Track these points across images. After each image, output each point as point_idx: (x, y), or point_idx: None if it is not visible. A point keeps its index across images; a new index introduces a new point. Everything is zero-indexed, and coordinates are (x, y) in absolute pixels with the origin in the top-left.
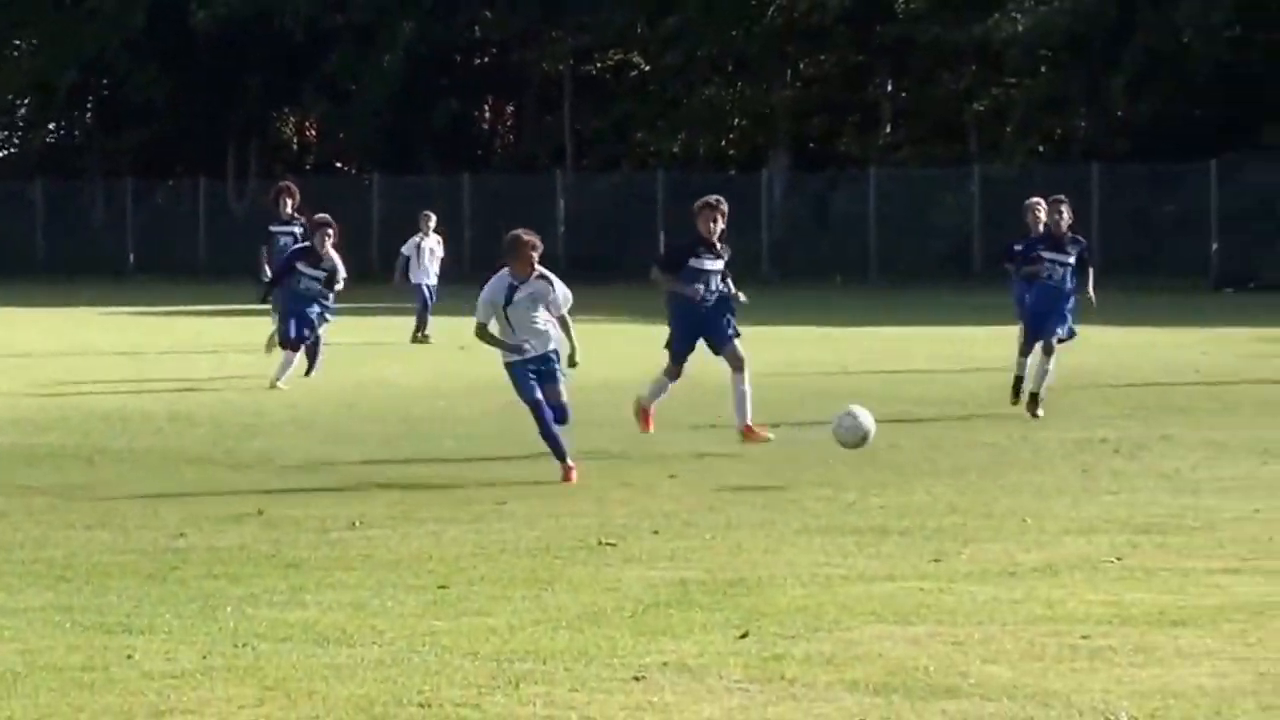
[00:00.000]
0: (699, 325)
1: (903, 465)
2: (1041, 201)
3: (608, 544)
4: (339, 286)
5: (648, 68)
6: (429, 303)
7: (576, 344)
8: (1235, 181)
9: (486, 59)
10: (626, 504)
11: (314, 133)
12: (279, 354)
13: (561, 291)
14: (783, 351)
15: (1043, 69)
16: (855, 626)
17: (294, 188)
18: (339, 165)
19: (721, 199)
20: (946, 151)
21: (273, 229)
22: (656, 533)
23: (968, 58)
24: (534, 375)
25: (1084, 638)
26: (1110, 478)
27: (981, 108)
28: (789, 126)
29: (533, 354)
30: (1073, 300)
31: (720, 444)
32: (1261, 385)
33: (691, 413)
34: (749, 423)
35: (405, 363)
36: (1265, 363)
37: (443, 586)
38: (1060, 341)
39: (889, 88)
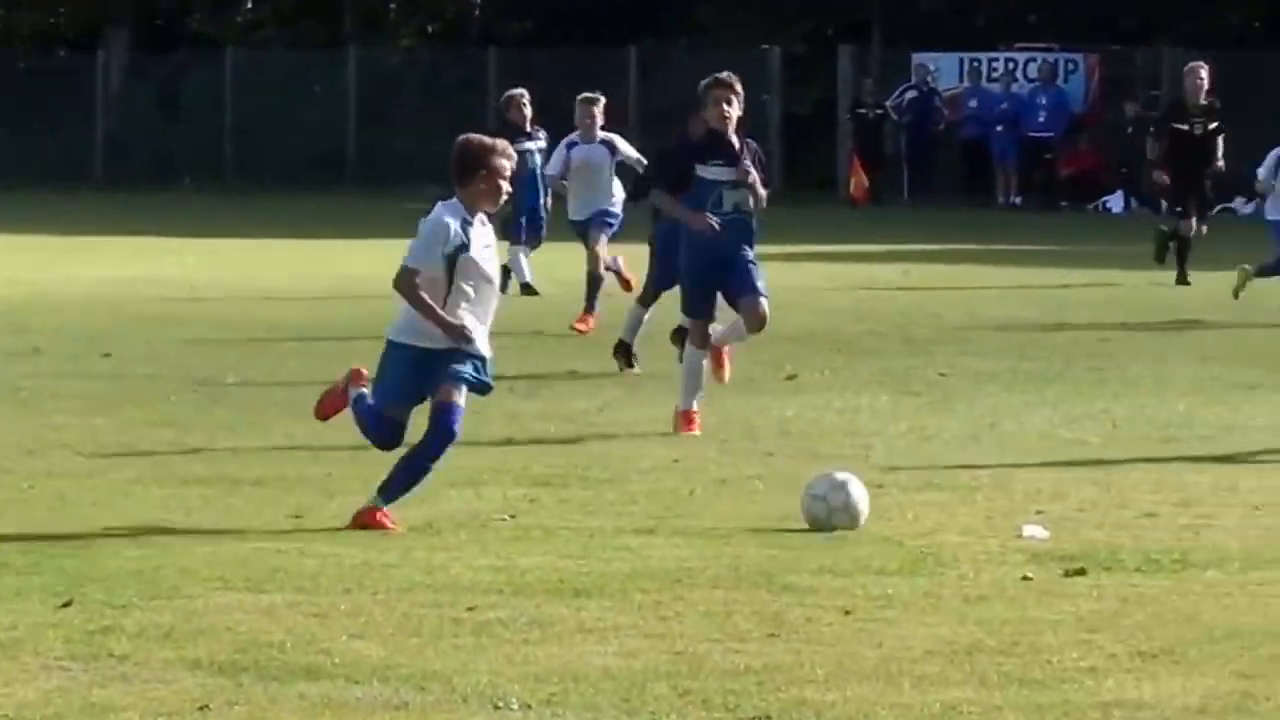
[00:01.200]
0: (715, 267)
1: (256, 404)
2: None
3: None
4: None
5: None
6: None
7: None
8: (660, 71)
9: None
10: None
11: None
12: None
13: None
14: (112, 266)
15: None
16: (199, 595)
17: None
18: None
19: (734, 76)
20: (318, 32)
21: None
22: None
23: None
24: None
25: (470, 609)
26: (504, 421)
27: None
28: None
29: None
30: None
31: (39, 372)
32: None
33: (13, 336)
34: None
35: None
36: None
37: None
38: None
39: None
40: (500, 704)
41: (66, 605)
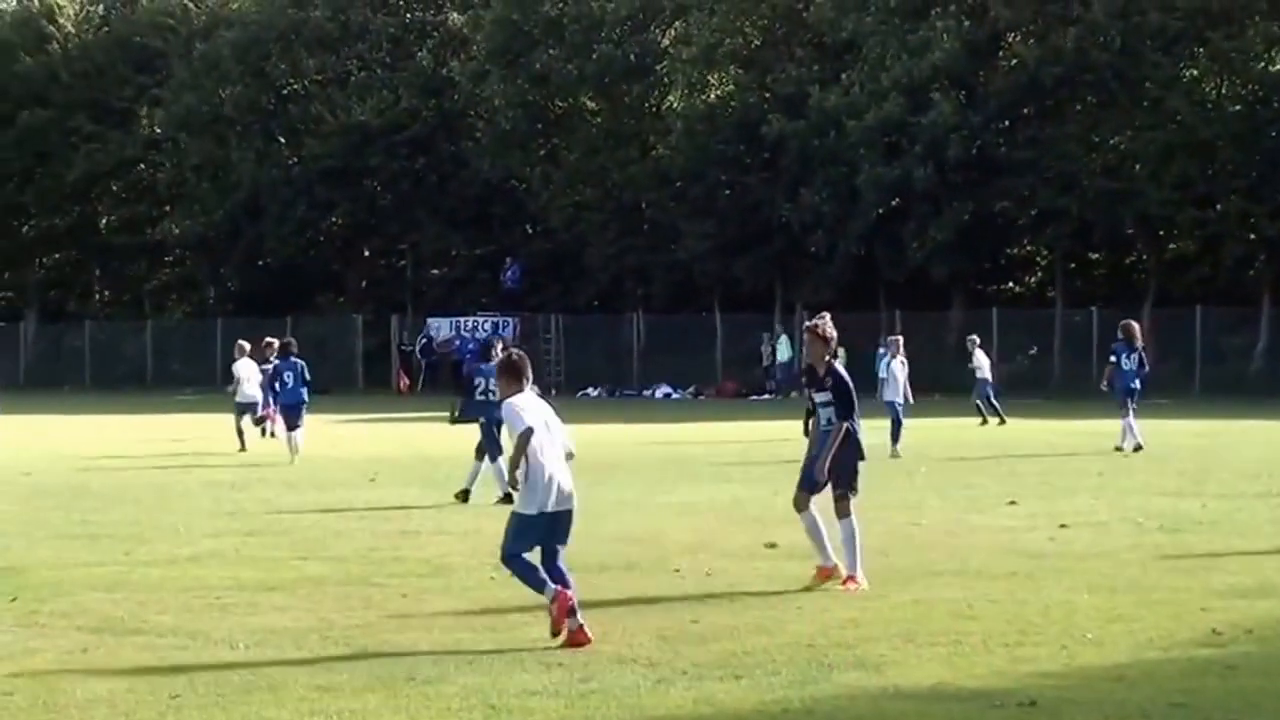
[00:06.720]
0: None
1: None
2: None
3: None
4: None
5: None
6: None
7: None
8: None
9: None
10: None
11: None
12: None
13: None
14: None
15: None
16: (78, 593)
17: None
18: None
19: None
20: None
21: None
22: None
23: None
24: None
25: (217, 598)
26: None
27: None
28: None
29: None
30: None
31: None
32: None
33: None
34: None
35: None
36: None
37: None
38: None
39: None
40: (233, 646)
41: (13, 600)
